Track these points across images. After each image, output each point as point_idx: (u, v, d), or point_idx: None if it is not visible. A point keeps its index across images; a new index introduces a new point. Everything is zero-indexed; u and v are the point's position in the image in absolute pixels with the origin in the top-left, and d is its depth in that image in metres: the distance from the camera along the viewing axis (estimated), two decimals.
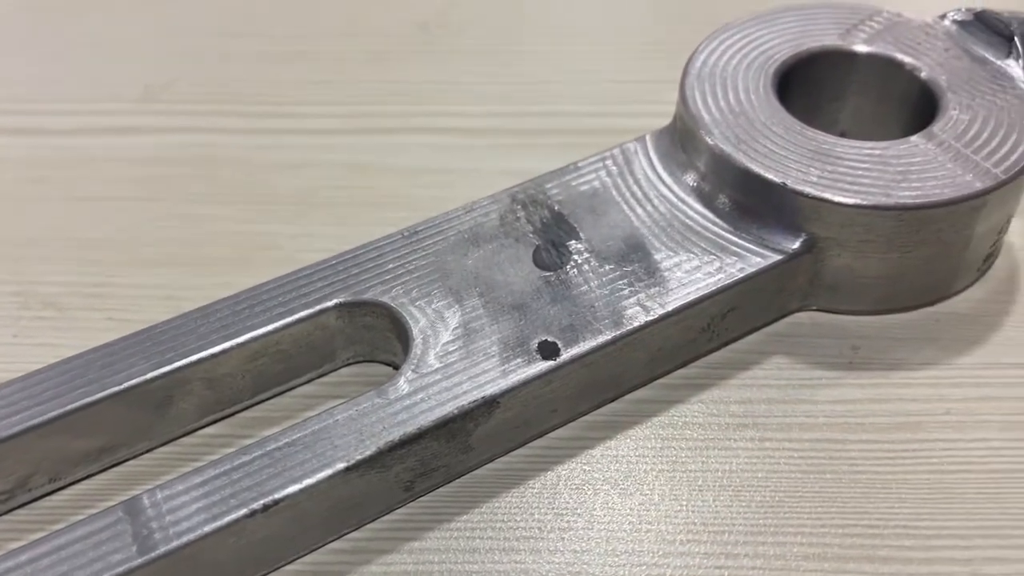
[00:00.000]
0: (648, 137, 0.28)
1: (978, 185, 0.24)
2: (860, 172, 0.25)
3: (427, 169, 0.32)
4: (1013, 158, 0.25)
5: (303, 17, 0.40)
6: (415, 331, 0.23)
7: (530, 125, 0.34)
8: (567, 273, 0.25)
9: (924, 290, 0.26)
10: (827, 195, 0.24)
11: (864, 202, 0.24)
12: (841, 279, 0.26)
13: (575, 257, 0.25)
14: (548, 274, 0.25)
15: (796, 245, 0.25)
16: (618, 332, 0.23)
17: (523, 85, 0.36)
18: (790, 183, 0.24)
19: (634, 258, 0.25)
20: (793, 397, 0.25)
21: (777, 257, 0.25)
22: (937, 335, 0.26)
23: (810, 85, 0.30)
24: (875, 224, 0.24)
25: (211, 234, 0.30)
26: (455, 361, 0.23)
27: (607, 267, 0.25)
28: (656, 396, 0.25)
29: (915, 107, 0.28)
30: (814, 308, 0.26)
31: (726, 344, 0.26)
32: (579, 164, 0.28)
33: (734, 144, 0.26)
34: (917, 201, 0.24)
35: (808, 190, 0.24)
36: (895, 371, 0.25)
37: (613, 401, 0.24)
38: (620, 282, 0.24)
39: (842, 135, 0.30)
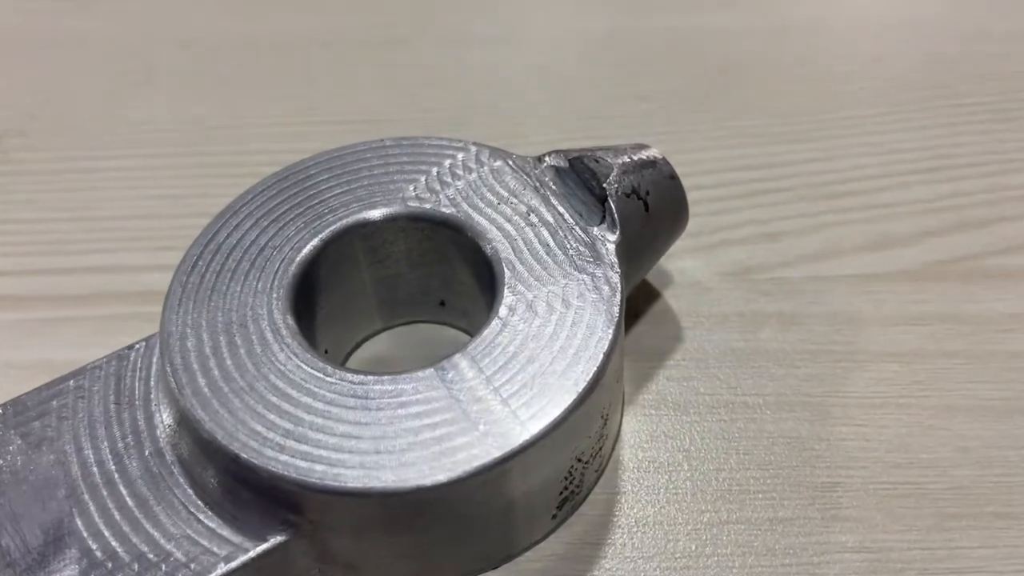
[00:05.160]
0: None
1: (493, 453, 0.17)
2: (342, 433, 0.18)
3: None
4: (551, 402, 0.18)
5: None
6: None
7: (82, 287, 0.26)
8: None
9: (472, 559, 0.20)
10: (289, 474, 0.17)
11: (330, 484, 0.17)
12: (356, 560, 0.19)
13: None
14: None
15: (276, 532, 0.18)
16: None
17: (94, 222, 0.28)
18: (245, 456, 0.18)
19: (51, 565, 0.17)
20: None
21: (250, 552, 0.18)
22: None
23: (377, 253, 0.23)
24: (355, 510, 0.17)
25: None
26: None
27: None
28: None
29: (493, 285, 0.22)
30: None
31: None
32: (43, 389, 0.20)
33: (201, 387, 0.18)
34: (399, 485, 0.17)
35: (267, 466, 0.17)
36: None
37: None
38: None
39: (441, 305, 0.24)
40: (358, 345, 0.24)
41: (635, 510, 0.21)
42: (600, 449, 0.21)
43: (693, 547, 0.20)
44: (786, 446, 0.22)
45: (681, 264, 0.26)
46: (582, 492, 0.21)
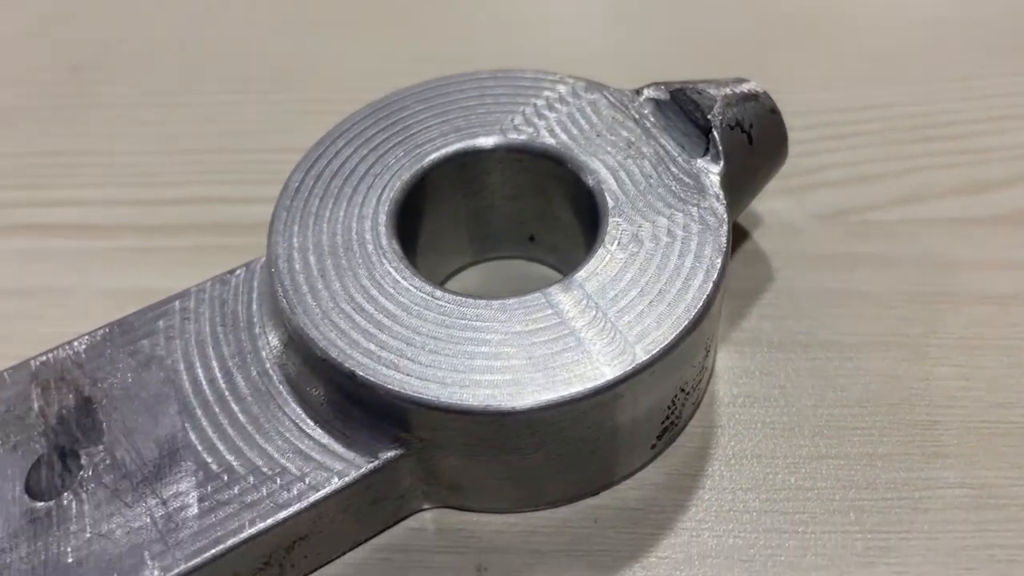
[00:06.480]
0: (260, 264, 0.22)
1: (607, 375, 0.17)
2: (454, 354, 0.18)
3: (8, 291, 0.25)
4: (664, 328, 0.18)
5: None
6: None
7: (168, 217, 0.27)
8: (64, 503, 0.18)
9: (575, 484, 0.20)
10: (405, 391, 0.17)
11: (445, 402, 0.17)
12: (461, 480, 0.19)
13: (85, 474, 0.19)
14: (39, 505, 0.18)
15: (387, 449, 0.18)
16: None
17: (176, 155, 0.29)
18: (362, 374, 0.18)
19: (167, 476, 0.18)
20: None
21: (362, 468, 0.18)
22: (589, 544, 0.19)
23: (473, 184, 0.23)
24: (469, 429, 0.18)
25: None
26: None
27: (123, 493, 0.18)
28: None
29: (592, 217, 0.22)
30: (443, 506, 0.20)
31: (315, 570, 0.20)
32: (148, 311, 0.21)
33: (312, 307, 0.19)
34: (513, 405, 0.17)
35: (384, 384, 0.18)
36: None
37: None
38: (131, 517, 0.18)
39: (531, 240, 0.24)
40: (447, 278, 0.25)
41: (732, 443, 0.21)
42: (700, 381, 0.21)
43: (792, 480, 0.20)
44: (884, 384, 0.22)
45: (771, 205, 0.26)
46: (680, 423, 0.21)
